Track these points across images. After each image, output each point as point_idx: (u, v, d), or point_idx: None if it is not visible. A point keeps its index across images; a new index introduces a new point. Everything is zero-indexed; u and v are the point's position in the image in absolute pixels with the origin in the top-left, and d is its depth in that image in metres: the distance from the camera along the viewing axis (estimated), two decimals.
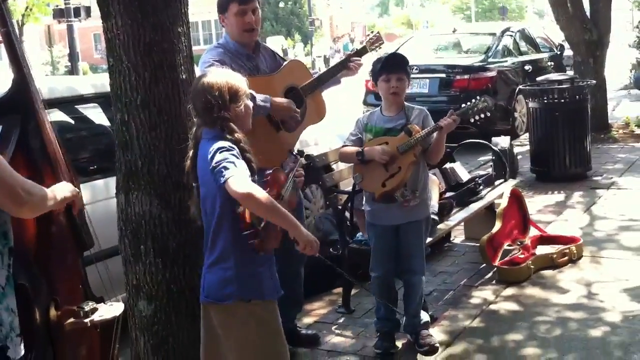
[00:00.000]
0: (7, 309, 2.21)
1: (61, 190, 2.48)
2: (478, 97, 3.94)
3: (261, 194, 2.57)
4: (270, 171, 2.83)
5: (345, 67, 4.06)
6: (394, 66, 3.85)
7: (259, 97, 3.53)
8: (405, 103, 3.91)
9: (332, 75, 4.07)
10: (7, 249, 2.24)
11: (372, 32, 4.38)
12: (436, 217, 4.68)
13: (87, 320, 2.68)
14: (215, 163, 2.61)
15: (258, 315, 2.78)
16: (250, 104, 2.89)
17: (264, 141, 3.66)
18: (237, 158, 2.63)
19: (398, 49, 12.06)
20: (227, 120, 2.73)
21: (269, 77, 3.85)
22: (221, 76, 2.82)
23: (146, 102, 3.06)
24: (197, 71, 3.42)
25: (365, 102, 10.83)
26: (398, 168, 3.74)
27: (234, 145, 2.69)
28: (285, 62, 4.03)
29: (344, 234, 4.56)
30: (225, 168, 2.58)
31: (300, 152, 3.26)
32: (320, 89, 4.06)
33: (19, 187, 2.14)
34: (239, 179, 2.56)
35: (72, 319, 2.68)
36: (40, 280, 2.64)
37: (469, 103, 3.89)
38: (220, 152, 2.63)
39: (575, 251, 5.14)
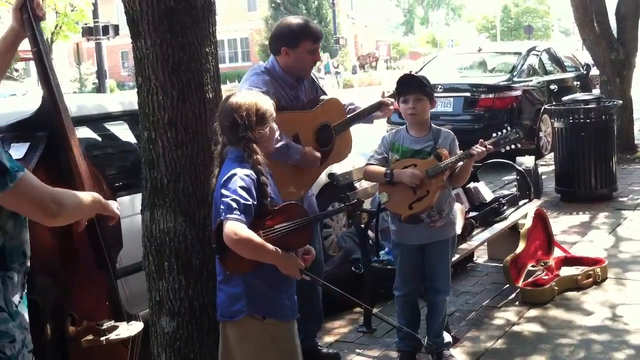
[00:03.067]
0: (20, 326, 2.23)
1: (101, 198, 2.52)
2: (509, 128, 3.94)
3: (247, 240, 2.63)
4: (288, 202, 2.89)
5: (380, 108, 4.15)
6: (410, 86, 3.83)
7: (293, 149, 3.65)
8: (433, 125, 3.90)
9: (365, 115, 4.15)
10: (24, 268, 2.27)
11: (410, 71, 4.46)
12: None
13: (103, 338, 2.70)
14: (226, 192, 2.67)
15: (273, 335, 2.81)
16: (276, 127, 2.94)
17: (285, 175, 3.67)
18: (247, 190, 2.69)
19: (422, 67, 12.11)
20: (251, 141, 2.79)
21: (306, 114, 3.90)
22: (250, 97, 2.88)
23: (173, 121, 3.10)
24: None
25: (389, 121, 10.83)
26: (426, 192, 3.74)
27: (250, 173, 2.74)
28: (326, 99, 4.04)
29: (366, 252, 4.56)
30: (229, 207, 2.64)
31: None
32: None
33: (50, 201, 2.16)
34: (236, 225, 2.62)
35: (90, 336, 2.69)
36: (54, 296, 2.65)
37: (500, 133, 3.88)
38: (233, 182, 2.69)
39: (599, 273, 5.09)
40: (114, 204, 2.58)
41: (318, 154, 3.83)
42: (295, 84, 3.92)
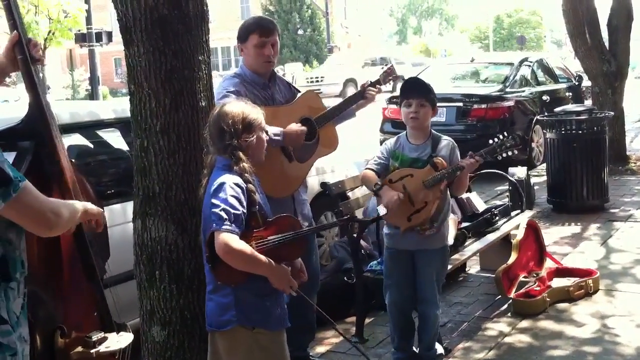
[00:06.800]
0: (20, 337, 2.21)
1: (88, 205, 2.51)
2: (505, 134, 3.92)
3: (241, 252, 2.62)
4: (280, 215, 2.86)
5: (359, 98, 4.09)
6: (414, 91, 3.83)
7: (272, 130, 3.54)
8: (433, 131, 3.89)
9: (346, 107, 4.10)
10: (23, 278, 2.26)
11: (386, 64, 4.40)
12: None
13: (93, 350, 2.67)
14: (217, 202, 2.66)
15: (262, 344, 2.80)
16: (265, 137, 2.94)
17: (276, 171, 3.67)
18: (237, 199, 2.68)
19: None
20: (236, 149, 2.78)
21: (284, 108, 3.89)
22: (238, 106, 2.88)
23: (166, 129, 3.09)
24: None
25: (382, 130, 10.86)
26: (424, 203, 3.73)
27: (239, 181, 2.73)
28: (301, 93, 4.06)
29: (358, 262, 4.55)
30: (220, 218, 2.63)
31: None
32: (334, 122, 4.07)
33: (49, 211, 2.15)
34: (228, 236, 2.61)
35: (79, 348, 2.66)
36: (45, 308, 2.62)
37: (496, 140, 3.87)
38: (223, 191, 2.68)
39: (591, 284, 5.09)
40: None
41: (302, 128, 3.75)
42: (269, 84, 3.91)
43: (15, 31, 2.66)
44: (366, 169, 3.92)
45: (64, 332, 2.64)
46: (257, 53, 3.81)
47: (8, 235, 2.16)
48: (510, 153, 3.87)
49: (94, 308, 2.84)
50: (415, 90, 3.83)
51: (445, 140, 3.86)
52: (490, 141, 3.89)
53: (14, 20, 2.66)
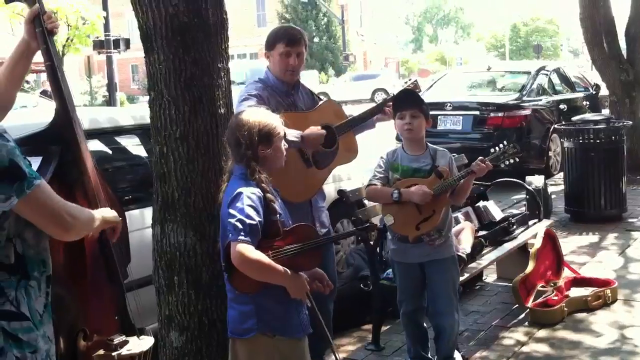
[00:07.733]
0: (44, 336, 2.23)
1: (106, 213, 2.53)
2: (505, 143, 3.94)
3: (256, 262, 2.63)
4: (299, 224, 2.86)
5: (381, 110, 4.09)
6: (406, 103, 3.84)
7: (290, 132, 3.55)
8: (428, 144, 3.90)
9: (367, 117, 4.10)
10: (45, 277, 2.27)
11: (409, 79, 4.39)
12: (464, 255, 4.60)
13: (115, 353, 2.69)
14: (233, 212, 2.66)
15: (283, 351, 2.80)
16: (284, 146, 2.93)
17: (293, 176, 3.68)
18: (254, 209, 2.68)
19: (432, 85, 12.12)
20: (251, 160, 2.78)
21: (304, 114, 3.90)
22: (255, 116, 2.86)
23: (185, 136, 3.12)
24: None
25: (398, 138, 10.82)
26: (432, 211, 3.72)
27: (256, 191, 2.73)
28: (322, 102, 4.07)
29: (375, 270, 4.55)
30: (236, 228, 2.63)
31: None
32: (354, 131, 4.08)
33: (65, 213, 2.16)
34: (244, 247, 2.61)
35: (101, 351, 2.68)
36: (68, 310, 2.64)
37: (497, 149, 3.88)
38: (240, 200, 2.68)
39: (609, 294, 5.06)
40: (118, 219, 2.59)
41: (322, 131, 3.74)
42: (292, 92, 3.93)
43: (35, 5, 2.69)
44: (369, 185, 3.90)
45: (86, 334, 2.66)
46: (282, 62, 3.83)
47: (24, 234, 2.18)
48: (512, 161, 3.89)
49: (115, 311, 2.86)
50: (407, 102, 3.84)
51: (442, 151, 3.88)
52: (492, 150, 3.91)
53: None
